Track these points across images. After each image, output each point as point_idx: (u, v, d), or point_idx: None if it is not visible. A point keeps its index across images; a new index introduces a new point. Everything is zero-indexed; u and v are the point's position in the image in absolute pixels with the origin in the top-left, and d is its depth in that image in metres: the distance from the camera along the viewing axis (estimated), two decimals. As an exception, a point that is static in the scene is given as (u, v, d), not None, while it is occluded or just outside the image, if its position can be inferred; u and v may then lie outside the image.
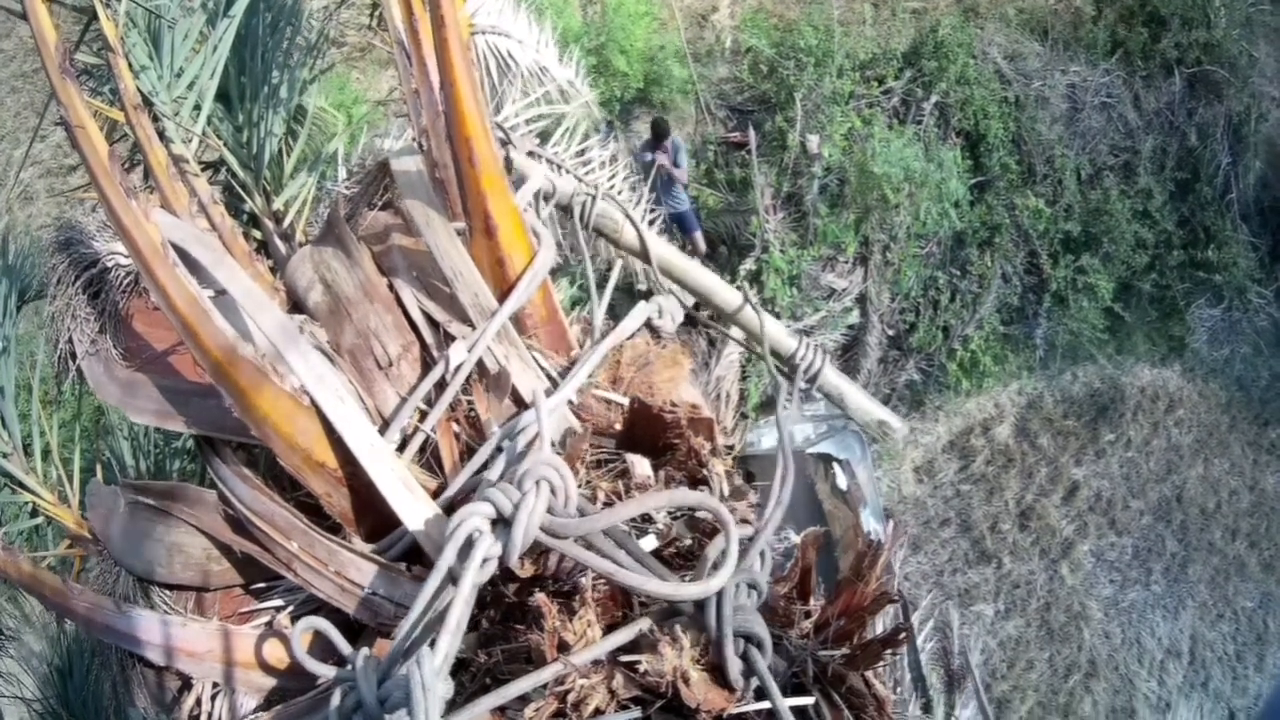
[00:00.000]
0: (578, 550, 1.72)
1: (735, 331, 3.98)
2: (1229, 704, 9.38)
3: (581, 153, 4.49)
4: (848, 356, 9.29)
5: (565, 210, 3.26)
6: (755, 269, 8.64)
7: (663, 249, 3.63)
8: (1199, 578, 9.63)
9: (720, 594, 1.69)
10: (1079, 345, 9.77)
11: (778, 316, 8.66)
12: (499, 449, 2.12)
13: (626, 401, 2.39)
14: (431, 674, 1.44)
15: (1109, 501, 9.71)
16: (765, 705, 1.69)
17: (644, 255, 3.51)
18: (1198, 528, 9.76)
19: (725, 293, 3.77)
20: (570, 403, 2.33)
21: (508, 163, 2.98)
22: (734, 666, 1.68)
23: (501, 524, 1.68)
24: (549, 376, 2.40)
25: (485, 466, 2.13)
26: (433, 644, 1.51)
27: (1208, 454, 10.02)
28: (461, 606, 1.58)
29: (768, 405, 7.97)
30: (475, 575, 1.62)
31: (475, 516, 1.66)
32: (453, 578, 1.64)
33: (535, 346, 2.45)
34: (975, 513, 9.51)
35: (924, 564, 9.30)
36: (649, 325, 2.95)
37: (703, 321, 4.10)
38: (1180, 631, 9.44)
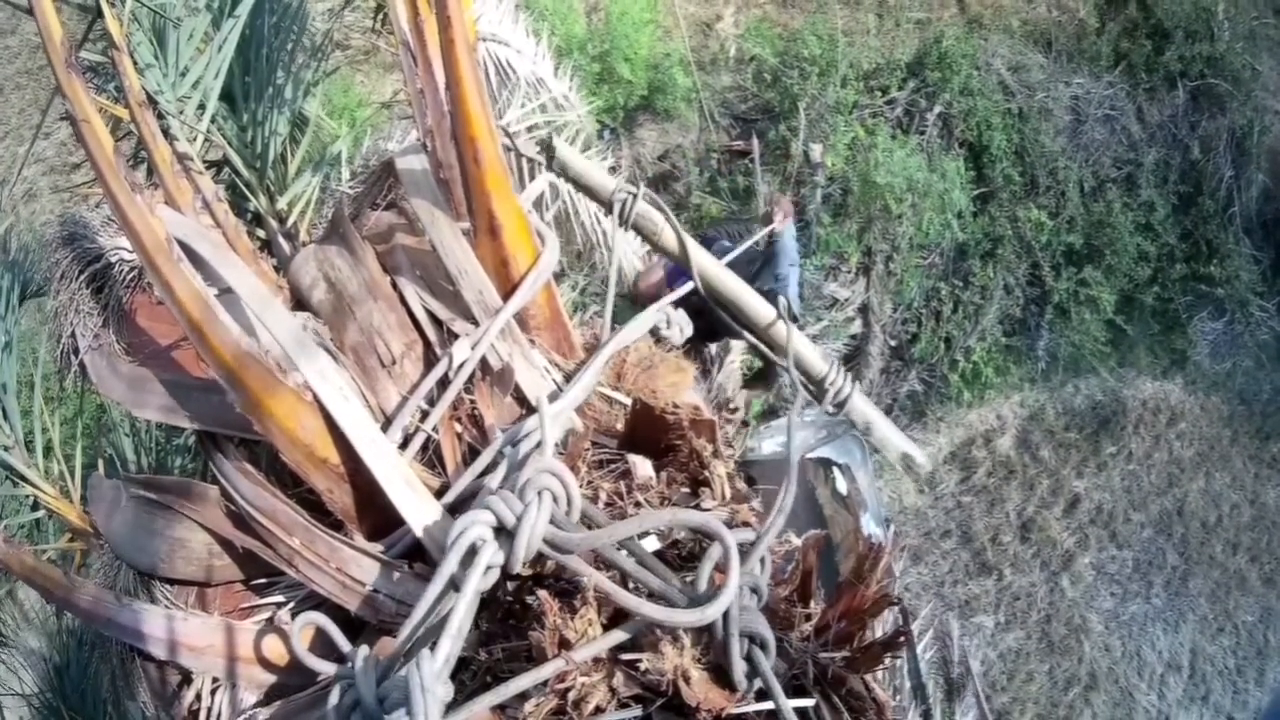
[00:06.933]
0: (579, 564, 1.71)
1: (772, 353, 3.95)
2: (1229, 718, 9.36)
3: (584, 161, 4.50)
4: (850, 366, 9.28)
5: (606, 207, 3.26)
6: (758, 278, 8.66)
7: (701, 255, 3.62)
8: (1199, 591, 9.62)
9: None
10: (1081, 357, 9.78)
11: (781, 325, 8.66)
12: (501, 454, 2.12)
13: (629, 401, 2.39)
14: (431, 676, 1.43)
15: (1110, 514, 9.70)
16: (766, 706, 1.68)
17: (683, 260, 3.50)
18: (1198, 541, 9.76)
19: (758, 305, 3.76)
20: (572, 404, 2.32)
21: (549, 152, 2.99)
22: (739, 669, 1.68)
23: (504, 533, 1.67)
24: (553, 378, 2.40)
25: (487, 471, 2.13)
26: (433, 647, 1.50)
27: (1209, 467, 10.02)
28: (464, 612, 1.57)
29: (769, 413, 7.97)
30: (478, 582, 1.61)
31: (478, 525, 1.66)
32: (455, 584, 1.63)
33: (538, 343, 2.45)
34: (976, 524, 9.50)
35: (925, 575, 9.28)
36: (655, 334, 2.96)
37: (753, 345, 4.07)
38: (1180, 645, 9.42)
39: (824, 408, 3.82)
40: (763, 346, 3.89)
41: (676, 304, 4.14)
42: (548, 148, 3.15)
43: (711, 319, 4.65)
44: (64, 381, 2.63)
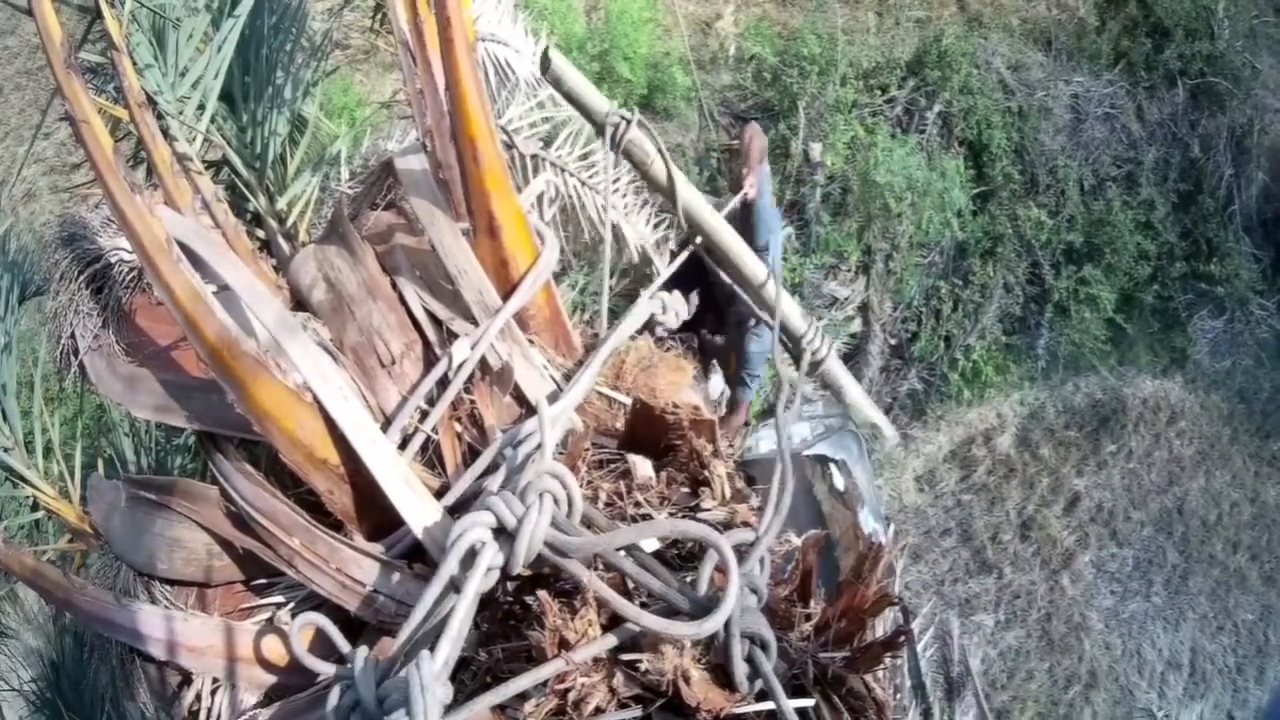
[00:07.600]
0: (578, 568, 1.71)
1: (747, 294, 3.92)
2: (1229, 716, 9.36)
3: (584, 157, 4.51)
4: (850, 365, 9.27)
5: (598, 130, 3.26)
6: (757, 276, 8.65)
7: (692, 195, 3.58)
8: (1200, 590, 9.61)
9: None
10: (1081, 356, 9.77)
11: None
12: (501, 455, 2.11)
13: (629, 401, 2.39)
14: (431, 676, 1.43)
15: (1110, 513, 9.69)
16: (766, 706, 1.68)
17: (670, 195, 3.48)
18: (1199, 540, 9.75)
19: (753, 264, 3.76)
20: (572, 404, 2.32)
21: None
22: (740, 669, 1.68)
23: (504, 535, 1.67)
24: (552, 377, 2.40)
25: (488, 473, 2.12)
26: (433, 648, 1.50)
27: (1209, 466, 10.01)
28: (464, 614, 1.57)
29: (767, 412, 7.96)
30: (478, 584, 1.61)
31: (478, 527, 1.66)
32: (455, 586, 1.63)
33: (538, 343, 2.45)
34: (976, 523, 9.49)
35: (925, 573, 9.27)
36: (653, 322, 2.95)
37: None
38: (1181, 643, 9.42)
39: (802, 367, 3.84)
40: (752, 304, 3.89)
41: (686, 291, 4.18)
42: (545, 58, 3.16)
43: (723, 309, 4.64)
44: (64, 382, 2.62)
